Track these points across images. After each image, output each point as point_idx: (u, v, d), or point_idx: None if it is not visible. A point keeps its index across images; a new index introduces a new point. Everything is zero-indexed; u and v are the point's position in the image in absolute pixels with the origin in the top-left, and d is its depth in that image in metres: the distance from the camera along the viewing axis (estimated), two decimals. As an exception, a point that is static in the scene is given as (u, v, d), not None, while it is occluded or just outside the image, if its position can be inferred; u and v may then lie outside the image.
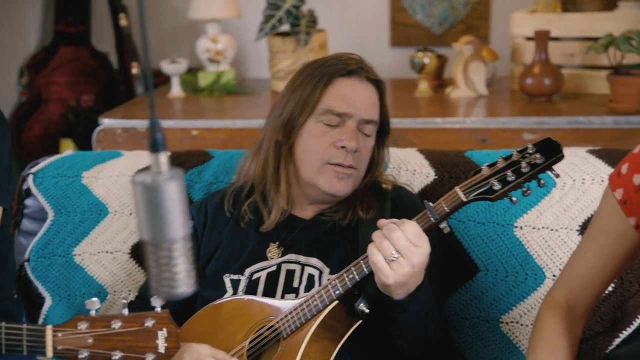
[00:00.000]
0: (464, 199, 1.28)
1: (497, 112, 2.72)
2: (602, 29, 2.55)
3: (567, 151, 1.82)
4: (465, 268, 1.70)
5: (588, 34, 2.67)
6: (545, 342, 1.30)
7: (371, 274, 1.31)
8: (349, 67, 1.51)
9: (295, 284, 1.48)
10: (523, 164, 1.27)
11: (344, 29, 3.51)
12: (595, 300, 1.32)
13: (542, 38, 2.67)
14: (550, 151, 1.28)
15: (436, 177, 1.77)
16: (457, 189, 1.30)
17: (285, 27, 3.00)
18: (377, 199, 1.55)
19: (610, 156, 1.73)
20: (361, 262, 1.32)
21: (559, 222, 1.67)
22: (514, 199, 1.30)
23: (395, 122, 2.66)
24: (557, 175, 1.31)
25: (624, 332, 1.63)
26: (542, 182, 1.29)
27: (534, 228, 1.68)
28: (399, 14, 3.63)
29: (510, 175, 1.27)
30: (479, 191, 1.28)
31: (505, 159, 1.30)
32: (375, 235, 1.28)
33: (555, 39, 2.79)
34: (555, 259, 1.65)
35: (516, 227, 1.69)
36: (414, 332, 1.36)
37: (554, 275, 1.63)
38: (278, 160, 1.53)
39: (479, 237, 1.70)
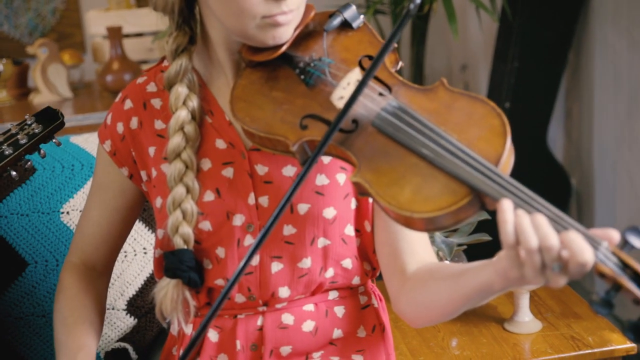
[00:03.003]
0: None
1: (81, 111, 2.64)
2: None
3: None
4: (13, 264, 1.59)
5: (160, 28, 2.71)
6: (68, 300, 1.24)
7: None
8: None
9: None
10: (20, 136, 1.22)
11: None
12: (113, 255, 1.30)
13: (114, 34, 2.65)
14: (49, 120, 1.24)
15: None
16: None
17: None
18: None
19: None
20: None
21: (106, 201, 1.63)
22: (14, 173, 1.23)
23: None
24: (59, 144, 1.28)
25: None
26: (42, 152, 1.25)
27: (81, 211, 1.63)
28: (-18, 26, 3.40)
29: (6, 150, 1.21)
30: None
31: (4, 133, 1.24)
32: None
33: (138, 34, 2.80)
34: (105, 238, 1.61)
35: (62, 212, 1.62)
36: None
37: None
38: None
39: (24, 229, 1.60)
